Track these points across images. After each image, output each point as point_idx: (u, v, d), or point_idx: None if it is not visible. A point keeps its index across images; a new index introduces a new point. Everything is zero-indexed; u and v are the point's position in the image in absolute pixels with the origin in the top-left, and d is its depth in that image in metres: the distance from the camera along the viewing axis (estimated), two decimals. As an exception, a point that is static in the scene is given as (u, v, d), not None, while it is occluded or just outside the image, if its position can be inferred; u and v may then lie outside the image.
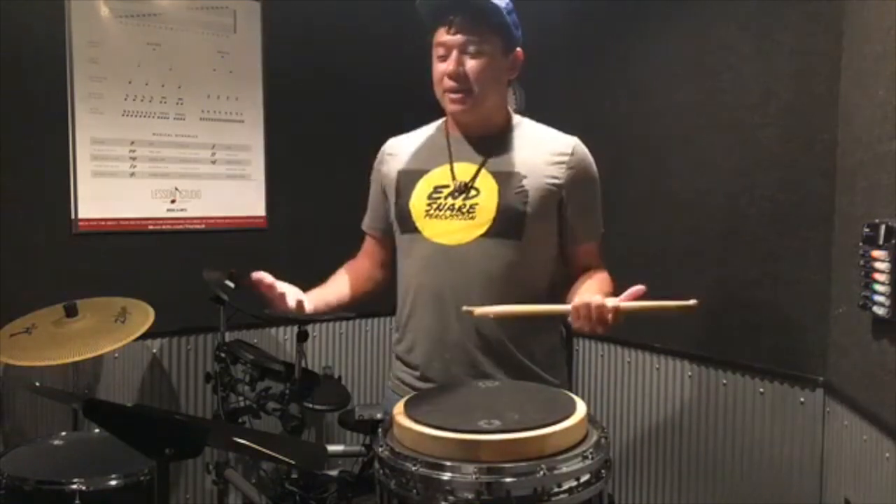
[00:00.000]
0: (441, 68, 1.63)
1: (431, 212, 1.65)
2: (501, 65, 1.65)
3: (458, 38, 1.60)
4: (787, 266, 2.30)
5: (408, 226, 1.69)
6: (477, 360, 1.62)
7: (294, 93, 3.08)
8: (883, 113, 1.85)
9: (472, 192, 1.65)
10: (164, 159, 2.85)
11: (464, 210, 1.64)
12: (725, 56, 2.45)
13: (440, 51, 1.62)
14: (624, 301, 1.46)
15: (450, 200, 1.65)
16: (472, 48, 1.60)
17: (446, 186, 1.66)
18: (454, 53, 1.60)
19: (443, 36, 1.61)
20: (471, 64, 1.61)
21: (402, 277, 1.73)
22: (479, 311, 1.47)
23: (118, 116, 2.75)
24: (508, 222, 1.63)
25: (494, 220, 1.62)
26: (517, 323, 1.63)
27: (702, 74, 2.53)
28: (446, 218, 1.64)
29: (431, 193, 1.67)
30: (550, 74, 2.90)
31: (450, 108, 1.66)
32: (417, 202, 1.67)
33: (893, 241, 1.77)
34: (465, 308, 1.48)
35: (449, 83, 1.62)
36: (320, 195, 3.06)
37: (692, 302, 1.42)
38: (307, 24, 3.10)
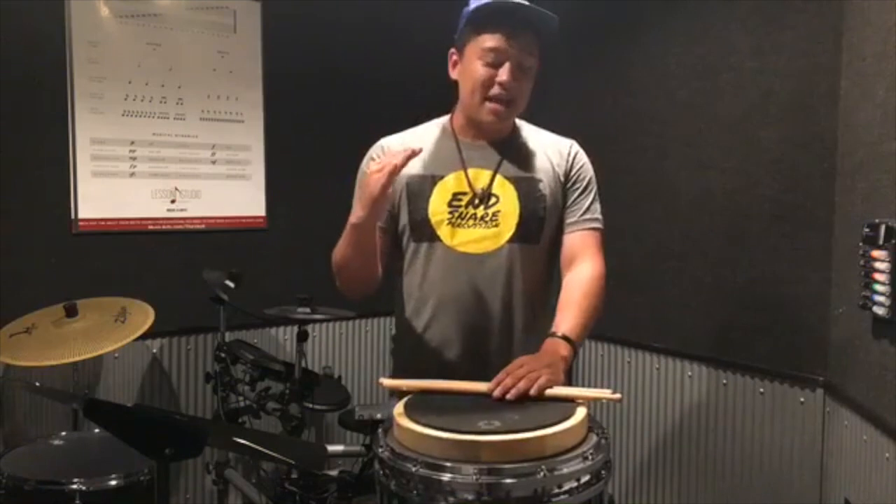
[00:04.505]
0: (488, 73, 1.59)
1: (454, 220, 1.64)
2: (534, 78, 1.67)
3: (519, 51, 1.59)
4: (787, 266, 2.31)
5: (425, 234, 1.66)
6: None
7: (294, 93, 3.08)
8: (883, 113, 1.85)
9: (492, 200, 1.65)
10: (164, 159, 2.84)
11: (486, 218, 1.64)
12: (725, 56, 2.45)
13: (490, 56, 1.59)
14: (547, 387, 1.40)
15: (471, 209, 1.65)
16: (525, 64, 1.61)
17: (465, 194, 1.65)
18: (508, 65, 1.58)
19: (499, 43, 1.58)
20: (522, 78, 1.61)
21: (413, 286, 1.70)
22: (390, 384, 1.51)
23: (118, 116, 2.74)
24: (530, 228, 1.66)
25: (518, 226, 1.64)
26: (536, 329, 1.65)
27: (702, 74, 2.53)
28: (469, 227, 1.64)
29: (451, 201, 1.65)
30: (550, 75, 2.88)
31: (488, 116, 1.63)
32: (437, 210, 1.65)
33: (893, 241, 1.77)
34: (381, 381, 1.52)
35: (498, 91, 1.60)
36: (320, 195, 3.04)
37: (617, 395, 1.41)
38: (307, 24, 3.09)
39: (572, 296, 1.64)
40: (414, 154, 1.47)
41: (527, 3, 1.61)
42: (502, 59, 1.59)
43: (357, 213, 1.52)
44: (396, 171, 1.45)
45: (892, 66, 1.81)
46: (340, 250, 1.65)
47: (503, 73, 1.58)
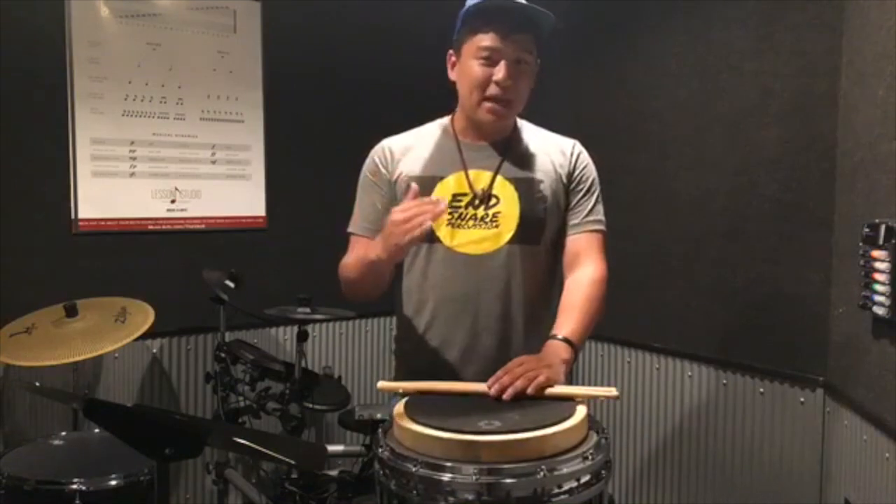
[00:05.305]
0: (485, 73, 1.59)
1: (453, 221, 1.64)
2: (534, 77, 1.67)
3: (514, 49, 1.58)
4: (787, 266, 2.31)
5: (425, 235, 1.67)
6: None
7: (294, 93, 3.08)
8: (883, 113, 1.85)
9: (493, 201, 1.65)
10: (164, 159, 2.84)
11: (486, 219, 1.64)
12: (725, 56, 2.45)
13: (485, 55, 1.58)
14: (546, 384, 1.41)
15: (471, 210, 1.65)
16: (522, 62, 1.60)
17: (465, 195, 1.65)
18: (504, 63, 1.58)
19: (493, 42, 1.57)
20: (519, 77, 1.61)
21: (413, 286, 1.70)
22: (387, 386, 1.51)
23: (118, 116, 2.74)
24: (530, 229, 1.65)
25: (518, 227, 1.64)
26: (538, 330, 1.65)
27: (702, 74, 2.53)
28: (469, 227, 1.64)
29: (451, 202, 1.65)
30: (550, 75, 2.89)
31: (486, 116, 1.62)
32: None
33: (893, 241, 1.77)
34: (379, 384, 1.51)
35: (495, 90, 1.59)
36: (320, 195, 3.06)
37: (615, 393, 1.43)
38: (307, 24, 3.09)
39: (574, 298, 1.64)
40: (442, 212, 1.45)
41: (522, 0, 1.61)
42: (498, 58, 1.58)
43: (378, 253, 1.50)
44: (429, 228, 1.43)
45: (892, 66, 1.81)
46: (352, 272, 1.65)
47: (499, 72, 1.58)
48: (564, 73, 2.97)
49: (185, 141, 2.89)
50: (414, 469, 1.20)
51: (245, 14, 2.98)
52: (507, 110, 1.64)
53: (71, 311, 2.32)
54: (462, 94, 1.67)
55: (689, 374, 2.64)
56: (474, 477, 1.16)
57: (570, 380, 1.56)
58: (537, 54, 1.64)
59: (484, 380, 1.44)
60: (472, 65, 1.61)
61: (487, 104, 1.61)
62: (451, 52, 1.68)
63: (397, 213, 1.45)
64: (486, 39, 1.58)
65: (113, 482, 1.94)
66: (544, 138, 1.75)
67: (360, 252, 1.63)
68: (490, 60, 1.59)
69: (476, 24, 1.60)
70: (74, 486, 1.90)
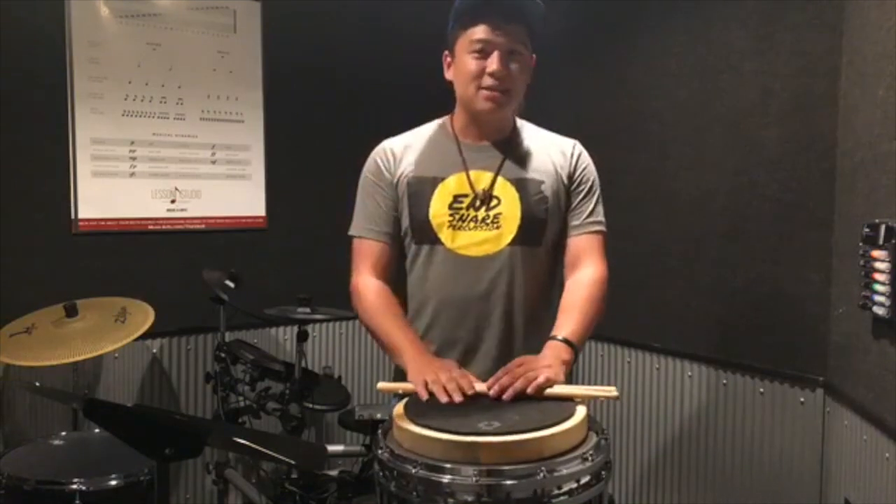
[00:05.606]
0: (478, 65, 1.60)
1: (454, 223, 1.64)
2: (529, 70, 1.67)
3: (507, 40, 1.59)
4: (787, 266, 2.30)
5: (427, 237, 1.66)
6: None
7: (294, 93, 3.08)
8: (883, 113, 1.85)
9: (493, 202, 1.65)
10: (164, 159, 2.84)
11: (488, 221, 1.64)
12: (725, 56, 2.45)
13: (477, 46, 1.59)
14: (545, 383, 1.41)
15: (472, 211, 1.64)
16: (515, 52, 1.61)
17: (466, 196, 1.65)
18: (497, 54, 1.58)
19: (485, 34, 1.58)
20: (513, 67, 1.61)
21: (415, 288, 1.70)
22: (387, 386, 1.51)
23: (118, 116, 2.74)
24: (531, 230, 1.65)
25: (519, 228, 1.64)
26: (539, 331, 1.65)
27: (702, 74, 2.53)
28: (470, 229, 1.64)
29: (452, 203, 1.65)
30: (550, 75, 2.89)
31: (484, 105, 1.62)
32: (437, 212, 1.64)
33: (893, 241, 1.77)
34: (379, 385, 1.51)
35: (491, 81, 1.60)
36: (320, 195, 3.06)
37: (615, 393, 1.43)
38: (307, 25, 3.09)
39: (574, 299, 1.64)
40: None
41: None
42: (490, 50, 1.59)
43: (404, 365, 1.51)
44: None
45: (892, 66, 1.81)
46: (374, 332, 1.65)
47: (493, 63, 1.58)
48: (564, 73, 2.96)
49: (185, 141, 2.89)
50: (413, 470, 1.20)
51: (245, 14, 2.98)
52: (505, 98, 1.63)
53: (71, 311, 2.33)
54: (459, 91, 1.67)
55: (689, 374, 2.64)
56: (474, 478, 1.16)
57: (570, 380, 1.56)
58: (532, 48, 1.64)
59: (484, 380, 1.44)
60: (466, 59, 1.61)
61: (485, 91, 1.61)
62: (446, 52, 1.69)
63: (442, 373, 1.42)
64: (477, 32, 1.59)
65: (113, 482, 1.95)
66: (544, 138, 1.75)
67: (396, 340, 1.60)
68: (483, 53, 1.59)
69: (467, 20, 1.61)
70: (74, 486, 1.90)
